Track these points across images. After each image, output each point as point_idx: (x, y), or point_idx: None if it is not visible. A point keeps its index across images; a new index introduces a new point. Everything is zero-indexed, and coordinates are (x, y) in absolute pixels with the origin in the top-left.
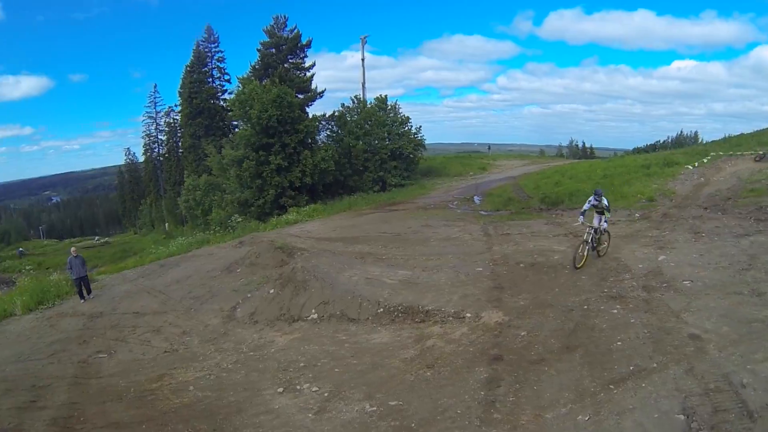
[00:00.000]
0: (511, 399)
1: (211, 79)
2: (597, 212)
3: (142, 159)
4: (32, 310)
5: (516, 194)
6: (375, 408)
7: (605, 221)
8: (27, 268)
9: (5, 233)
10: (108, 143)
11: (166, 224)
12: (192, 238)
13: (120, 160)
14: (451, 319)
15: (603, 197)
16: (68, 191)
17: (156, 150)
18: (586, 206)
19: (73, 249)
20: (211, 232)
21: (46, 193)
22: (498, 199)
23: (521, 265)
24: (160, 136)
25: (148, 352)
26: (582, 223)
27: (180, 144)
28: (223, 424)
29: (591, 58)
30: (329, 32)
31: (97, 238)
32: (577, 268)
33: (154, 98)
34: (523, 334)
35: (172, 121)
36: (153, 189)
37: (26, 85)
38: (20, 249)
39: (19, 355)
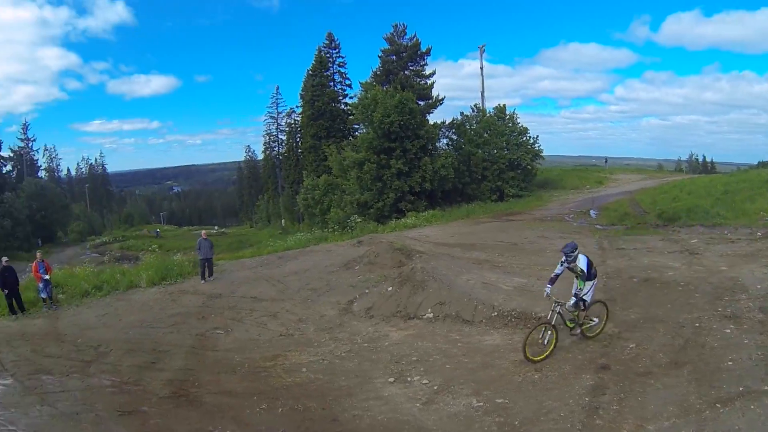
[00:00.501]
0: (614, 407)
1: (332, 83)
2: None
3: (261, 156)
4: (156, 284)
5: (632, 209)
6: (482, 404)
7: (589, 290)
8: (153, 247)
9: (129, 216)
10: (228, 140)
11: (283, 220)
12: (310, 235)
13: (239, 156)
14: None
15: (579, 255)
16: (189, 182)
17: (276, 149)
18: (558, 270)
19: (203, 232)
20: (329, 230)
21: (168, 182)
22: (614, 213)
23: (634, 279)
24: (280, 136)
25: (263, 334)
26: (547, 296)
27: (300, 144)
28: (332, 404)
29: (712, 64)
30: (446, 40)
31: (216, 228)
32: (531, 360)
33: (276, 99)
34: (631, 346)
35: (292, 122)
36: (271, 186)
37: (156, 84)
38: (157, 230)
39: (142, 322)
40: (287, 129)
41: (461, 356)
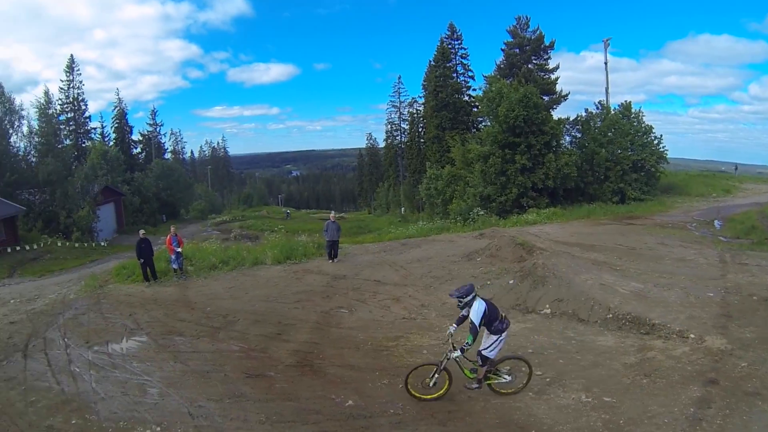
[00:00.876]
0: (718, 422)
1: (455, 75)
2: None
3: (382, 144)
4: (280, 262)
5: (761, 223)
6: (590, 400)
7: (491, 345)
8: (279, 227)
9: (249, 197)
10: (348, 127)
11: (402, 208)
12: (432, 224)
13: (359, 143)
14: (674, 336)
15: (476, 302)
16: (307, 167)
17: (398, 137)
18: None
19: (332, 214)
20: (451, 221)
21: (287, 166)
22: (740, 225)
23: (754, 297)
24: (402, 125)
25: (386, 316)
26: (449, 335)
27: (422, 134)
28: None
29: None
30: (567, 30)
31: (332, 212)
32: (414, 396)
33: (398, 89)
34: (743, 365)
35: (414, 111)
36: (392, 174)
37: (275, 72)
38: (287, 212)
39: (268, 297)
40: (409, 118)
41: (574, 353)
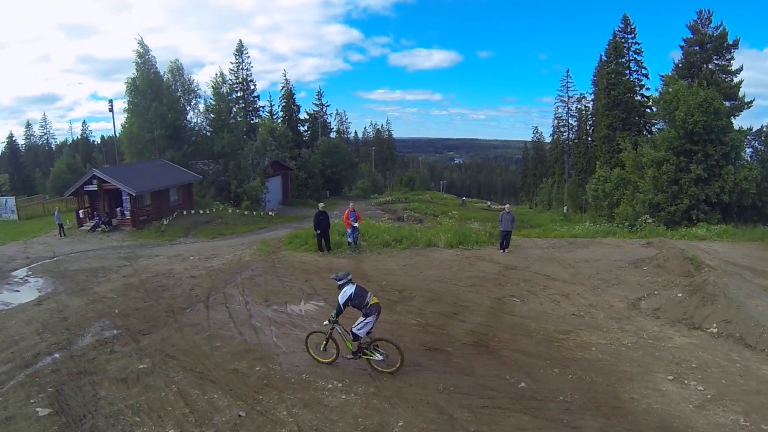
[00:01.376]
0: None
1: (628, 72)
2: None
3: (549, 139)
4: (453, 247)
5: None
6: (748, 424)
7: (360, 324)
8: (453, 213)
9: (411, 180)
10: (512, 118)
11: (565, 207)
12: (598, 226)
13: (522, 135)
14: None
15: (347, 287)
16: (470, 155)
17: (565, 134)
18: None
19: (507, 206)
20: (616, 225)
21: (449, 153)
22: None
23: None
24: (570, 121)
25: (556, 310)
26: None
27: (591, 132)
28: (615, 383)
29: None
30: (750, 25)
31: (489, 202)
32: (316, 359)
33: (566, 83)
34: None
35: (583, 108)
36: (557, 170)
37: (437, 58)
38: (463, 198)
39: (442, 278)
40: (577, 114)
41: (737, 376)
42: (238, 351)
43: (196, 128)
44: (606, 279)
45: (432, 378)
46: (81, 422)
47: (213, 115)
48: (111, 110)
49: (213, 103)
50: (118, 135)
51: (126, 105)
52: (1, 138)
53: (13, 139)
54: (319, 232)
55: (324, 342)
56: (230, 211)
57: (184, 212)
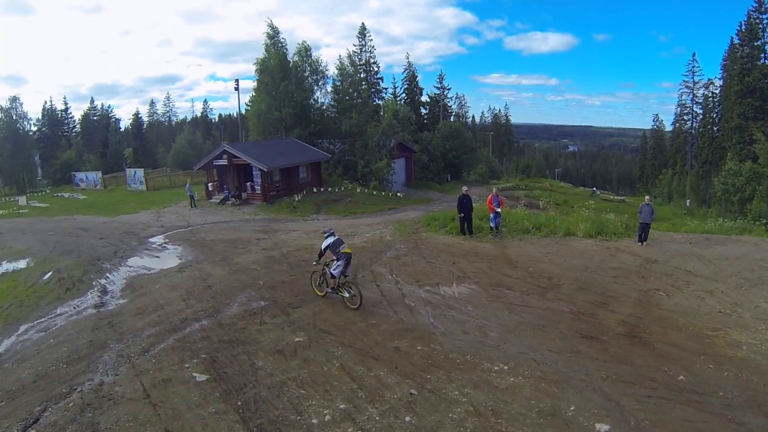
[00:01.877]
0: None
1: (763, 56)
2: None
3: (669, 128)
4: (591, 237)
5: None
6: None
7: (335, 267)
8: (590, 203)
9: (527, 167)
10: (628, 105)
11: (688, 200)
12: (732, 223)
13: (638, 123)
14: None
15: (329, 238)
16: (584, 143)
17: (689, 122)
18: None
19: (647, 197)
20: (750, 221)
21: (564, 140)
22: None
23: None
24: (695, 109)
25: (702, 307)
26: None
27: (717, 121)
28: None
29: None
30: None
31: (596, 190)
32: (316, 293)
33: (693, 67)
34: None
35: (710, 95)
36: (678, 161)
37: (552, 41)
38: (594, 188)
39: (586, 267)
40: (703, 102)
41: None
42: (396, 330)
43: (323, 107)
44: (749, 278)
45: (593, 365)
46: (242, 391)
47: (339, 95)
48: (237, 89)
49: (339, 83)
50: (243, 113)
51: (255, 84)
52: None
53: (139, 115)
54: (462, 215)
55: (319, 279)
56: (358, 190)
57: (314, 189)
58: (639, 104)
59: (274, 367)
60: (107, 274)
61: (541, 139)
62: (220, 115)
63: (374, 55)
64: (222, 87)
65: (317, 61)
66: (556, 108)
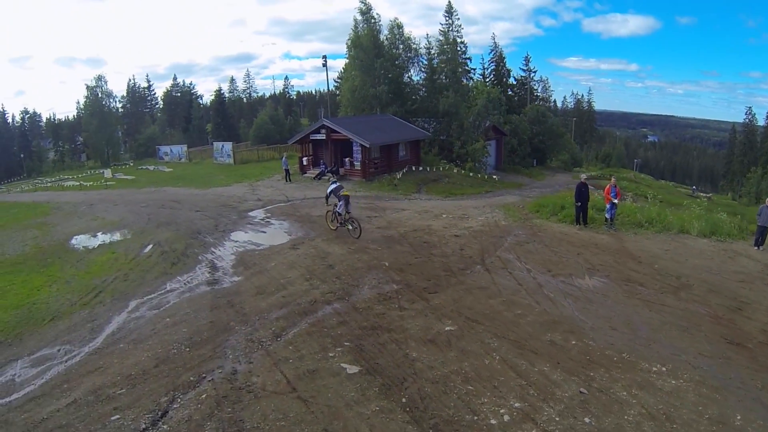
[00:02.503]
0: None
1: None
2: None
3: (762, 123)
4: (705, 236)
5: None
6: None
7: (338, 206)
8: (703, 199)
9: (607, 156)
10: (713, 95)
11: None
12: None
13: (723, 115)
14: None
15: (332, 184)
16: (665, 134)
17: None
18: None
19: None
20: None
21: (643, 129)
22: None
23: None
24: None
25: None
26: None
27: None
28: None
29: None
30: None
31: (693, 188)
32: (329, 228)
33: None
34: None
35: None
36: None
37: (633, 24)
38: (694, 187)
39: (710, 269)
40: None
41: None
42: (544, 321)
43: (417, 86)
44: None
45: (746, 374)
46: (403, 385)
47: (434, 74)
48: (325, 65)
49: (435, 61)
50: (332, 89)
51: (348, 60)
52: (206, 92)
53: (221, 91)
54: (579, 204)
55: (331, 216)
56: (455, 171)
57: (413, 168)
58: (724, 94)
59: (430, 358)
60: (212, 249)
61: (619, 126)
62: (299, 92)
63: (461, 35)
64: (297, 65)
65: (409, 39)
66: (635, 95)
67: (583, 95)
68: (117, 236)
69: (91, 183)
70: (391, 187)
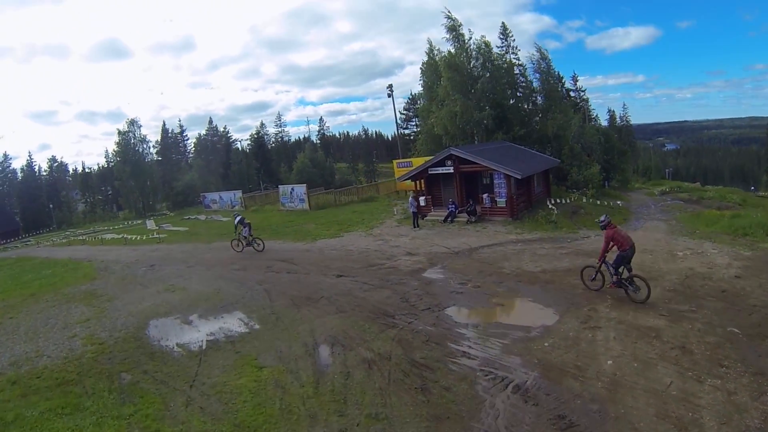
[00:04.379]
0: None
1: None
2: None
3: None
4: None
5: None
6: None
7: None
8: None
9: (647, 169)
10: (721, 94)
11: None
12: None
13: (735, 112)
14: None
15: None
16: (681, 139)
17: None
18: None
19: None
20: None
21: (659, 138)
22: None
23: None
24: None
25: None
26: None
27: None
28: None
29: None
30: None
31: (752, 188)
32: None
33: None
34: None
35: None
36: None
37: (635, 36)
38: (753, 187)
39: None
40: None
41: None
42: None
43: (521, 108)
44: None
45: None
46: None
47: (533, 93)
48: (390, 95)
49: (535, 82)
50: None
51: (444, 82)
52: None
53: (262, 134)
54: None
55: (237, 242)
56: (584, 200)
57: (549, 201)
58: (732, 92)
59: None
60: (453, 345)
61: (636, 139)
62: (323, 134)
63: (518, 57)
64: (311, 111)
65: (499, 58)
66: (646, 105)
67: (615, 111)
68: (234, 324)
69: (136, 236)
70: (551, 226)
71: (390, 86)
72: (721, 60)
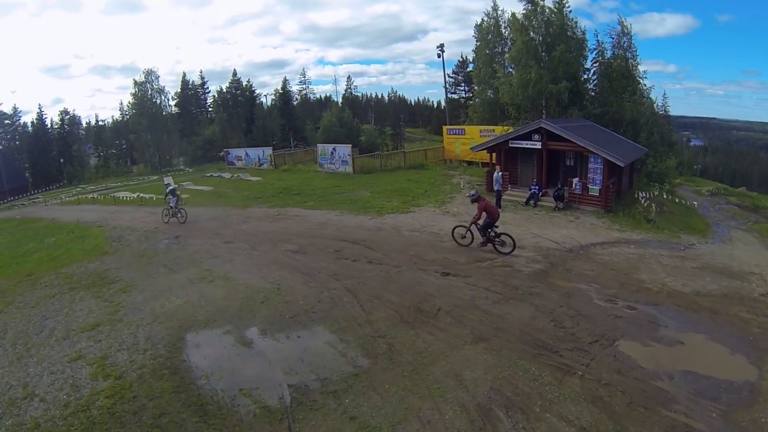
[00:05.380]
0: None
1: None
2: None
3: None
4: None
5: None
6: None
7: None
8: None
9: (681, 164)
10: (755, 95)
11: None
12: None
13: (764, 117)
14: None
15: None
16: (708, 137)
17: None
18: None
19: None
20: None
21: (685, 133)
22: None
23: None
24: None
25: None
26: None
27: None
28: None
29: None
30: None
31: None
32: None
33: None
34: None
35: None
36: None
37: (671, 24)
38: None
39: None
40: None
41: None
42: None
43: (598, 85)
44: None
45: None
46: None
47: (608, 71)
48: (440, 56)
49: (610, 55)
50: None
51: (514, 44)
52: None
53: (288, 88)
54: None
55: (166, 211)
56: (656, 194)
57: (636, 194)
58: (766, 94)
59: None
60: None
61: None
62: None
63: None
64: (331, 71)
65: (575, 26)
66: (674, 97)
67: (657, 101)
68: (323, 353)
69: (153, 195)
70: (650, 226)
71: (441, 45)
72: (759, 60)
